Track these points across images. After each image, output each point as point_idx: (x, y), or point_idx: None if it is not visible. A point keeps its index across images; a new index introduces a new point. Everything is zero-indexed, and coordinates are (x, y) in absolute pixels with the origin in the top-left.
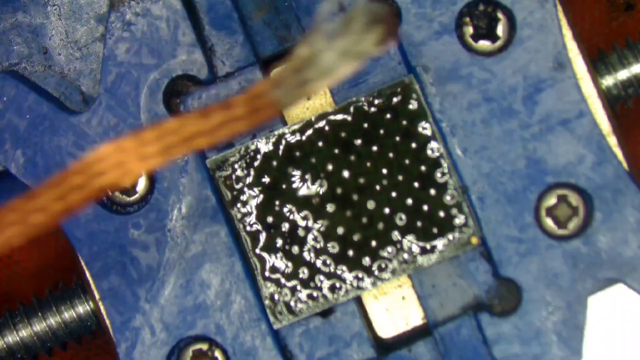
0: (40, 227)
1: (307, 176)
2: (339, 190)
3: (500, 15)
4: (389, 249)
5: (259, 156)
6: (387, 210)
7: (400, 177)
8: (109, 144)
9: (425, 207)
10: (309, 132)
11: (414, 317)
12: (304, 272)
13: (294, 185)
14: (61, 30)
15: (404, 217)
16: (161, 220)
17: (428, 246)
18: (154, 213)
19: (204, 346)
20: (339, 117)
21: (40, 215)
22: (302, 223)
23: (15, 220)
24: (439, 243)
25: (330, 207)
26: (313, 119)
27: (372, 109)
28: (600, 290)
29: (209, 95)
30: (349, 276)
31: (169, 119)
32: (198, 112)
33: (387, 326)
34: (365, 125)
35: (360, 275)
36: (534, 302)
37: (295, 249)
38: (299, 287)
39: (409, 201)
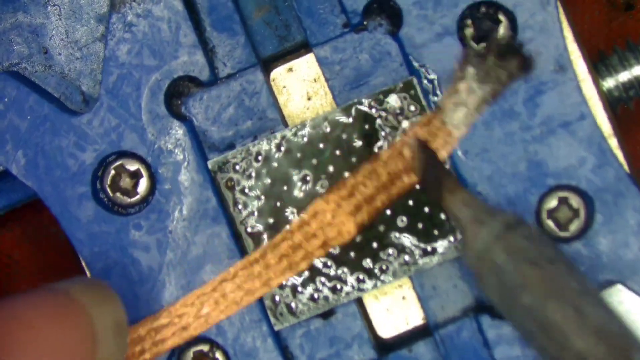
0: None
1: (309, 177)
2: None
3: (501, 17)
4: (390, 250)
5: (260, 157)
6: (388, 212)
7: None
8: (318, 202)
9: (426, 209)
10: (310, 133)
11: (414, 318)
12: (304, 274)
13: (295, 187)
14: (61, 30)
15: (405, 218)
16: (162, 221)
17: (429, 248)
18: (155, 214)
19: (205, 347)
20: (340, 118)
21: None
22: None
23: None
24: (440, 245)
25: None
26: (314, 120)
27: (374, 110)
28: (600, 291)
29: (210, 96)
30: (350, 278)
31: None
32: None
33: (388, 326)
34: (367, 126)
35: (361, 276)
36: None
37: None
38: (300, 289)
39: (410, 203)
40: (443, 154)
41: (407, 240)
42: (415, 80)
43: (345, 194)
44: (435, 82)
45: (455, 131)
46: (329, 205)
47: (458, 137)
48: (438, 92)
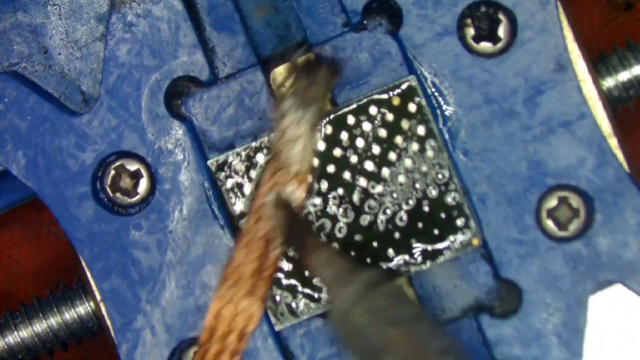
0: None
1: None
2: (340, 192)
3: (501, 16)
4: (390, 250)
5: (259, 157)
6: (388, 212)
7: (401, 178)
8: (213, 303)
9: (427, 209)
10: None
11: None
12: (305, 273)
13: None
14: (61, 30)
15: (405, 218)
16: (162, 221)
17: (429, 247)
18: (155, 214)
19: None
20: (340, 118)
21: None
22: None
23: None
24: (440, 244)
25: (331, 209)
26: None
27: (373, 110)
28: (600, 291)
29: (210, 96)
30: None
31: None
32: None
33: None
34: (367, 126)
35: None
36: (535, 304)
37: None
38: (300, 288)
39: (410, 202)
40: (301, 194)
41: (408, 240)
42: (415, 80)
43: (232, 282)
44: (436, 82)
45: (301, 165)
46: (224, 301)
47: (307, 168)
48: (436, 91)
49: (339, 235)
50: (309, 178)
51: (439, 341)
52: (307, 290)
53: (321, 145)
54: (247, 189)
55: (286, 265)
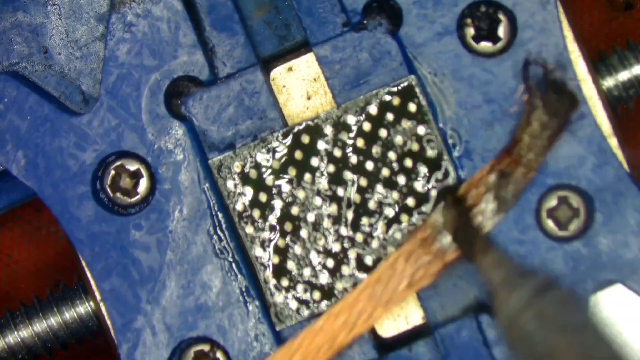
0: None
1: (308, 177)
2: (340, 192)
3: (501, 16)
4: (391, 250)
5: (260, 157)
6: (388, 212)
7: (401, 178)
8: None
9: (426, 208)
10: (310, 132)
11: (414, 317)
12: (305, 273)
13: (295, 186)
14: (61, 30)
15: (405, 218)
16: (162, 221)
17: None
18: (155, 214)
19: (206, 347)
20: (341, 117)
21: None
22: (303, 224)
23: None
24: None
25: (331, 208)
26: (314, 120)
27: (374, 110)
28: (600, 291)
29: (210, 96)
30: (349, 277)
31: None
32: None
33: (388, 325)
34: (367, 126)
35: (361, 275)
36: None
37: (297, 250)
38: (300, 288)
39: (410, 202)
40: (523, 185)
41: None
42: (415, 80)
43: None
44: (436, 82)
45: (532, 158)
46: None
47: (535, 166)
48: (436, 91)
49: (339, 236)
50: (533, 173)
51: (607, 349)
52: (307, 290)
53: (321, 145)
54: (247, 188)
55: (286, 266)
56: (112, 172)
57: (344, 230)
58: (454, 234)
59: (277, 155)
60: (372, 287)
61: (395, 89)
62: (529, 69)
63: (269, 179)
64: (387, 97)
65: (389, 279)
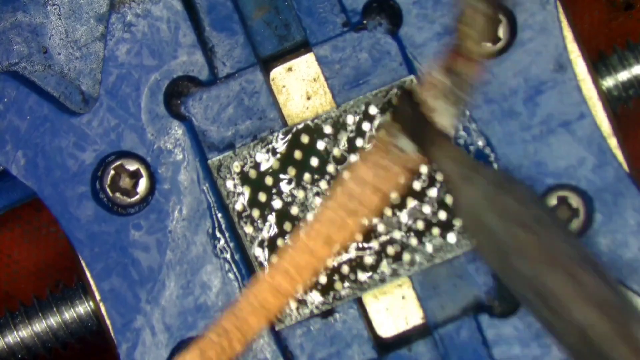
0: None
1: (308, 177)
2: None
3: (501, 16)
4: (390, 250)
5: (259, 157)
6: (388, 211)
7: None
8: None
9: (426, 208)
10: (310, 132)
11: (414, 317)
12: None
13: (295, 186)
14: (61, 30)
15: (405, 218)
16: (162, 221)
17: (429, 247)
18: (155, 214)
19: None
20: (340, 117)
21: None
22: (303, 224)
23: None
24: (440, 244)
25: None
26: (314, 120)
27: (373, 110)
28: None
29: (210, 96)
30: (350, 277)
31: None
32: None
33: (387, 325)
34: (366, 125)
35: (361, 275)
36: None
37: None
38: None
39: (410, 202)
40: (472, 80)
41: (407, 239)
42: (414, 80)
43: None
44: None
45: (479, 50)
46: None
47: (480, 57)
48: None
49: None
50: (478, 65)
51: (574, 249)
52: (306, 290)
53: (320, 145)
54: (247, 188)
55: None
56: (112, 172)
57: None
58: (407, 126)
59: (277, 155)
60: (339, 197)
61: (395, 89)
62: None
63: (268, 179)
64: (387, 98)
65: (354, 188)
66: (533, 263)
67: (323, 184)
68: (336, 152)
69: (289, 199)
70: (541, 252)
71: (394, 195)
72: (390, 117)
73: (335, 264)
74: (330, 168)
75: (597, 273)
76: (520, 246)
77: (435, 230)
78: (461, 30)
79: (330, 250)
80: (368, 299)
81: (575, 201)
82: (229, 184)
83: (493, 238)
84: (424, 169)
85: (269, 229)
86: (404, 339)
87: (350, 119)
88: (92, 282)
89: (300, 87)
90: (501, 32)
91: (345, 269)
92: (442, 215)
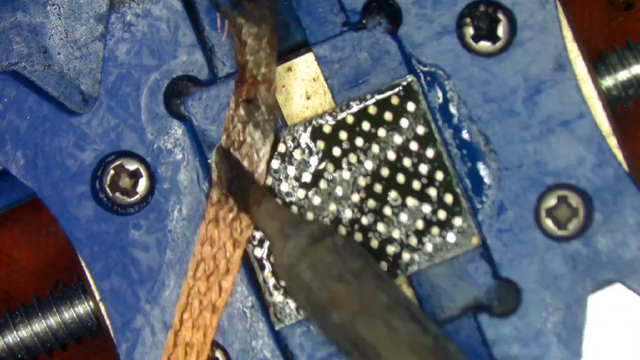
0: None
1: (307, 177)
2: (338, 191)
3: (501, 16)
4: (390, 249)
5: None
6: (388, 211)
7: (400, 178)
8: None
9: (426, 208)
10: (309, 132)
11: None
12: None
13: (294, 186)
14: (61, 30)
15: (404, 217)
16: (162, 221)
17: (428, 246)
18: (155, 214)
19: None
20: (339, 117)
21: None
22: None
23: None
24: (439, 243)
25: (331, 208)
26: (313, 119)
27: (373, 109)
28: (599, 290)
29: (209, 95)
30: None
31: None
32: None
33: None
34: (366, 125)
35: None
36: (534, 303)
37: None
38: None
39: (410, 202)
40: (272, 99)
41: (407, 238)
42: (414, 79)
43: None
44: (434, 81)
45: (267, 68)
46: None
47: (271, 72)
48: (435, 90)
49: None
50: (273, 83)
51: (386, 296)
52: None
53: (320, 145)
54: None
55: None
56: (112, 171)
57: (343, 230)
58: (228, 187)
59: (276, 155)
60: (201, 265)
61: (394, 89)
62: (213, 2)
63: (268, 179)
64: (386, 97)
65: (213, 251)
66: (348, 314)
67: (322, 184)
68: (336, 151)
69: (290, 198)
70: (356, 303)
71: (394, 195)
72: (217, 178)
73: None
74: (330, 167)
75: (412, 318)
76: (334, 298)
77: (435, 230)
78: (243, 59)
79: (217, 316)
80: None
81: (574, 200)
82: None
83: (310, 292)
84: (423, 169)
85: None
86: None
87: (350, 119)
88: (91, 281)
89: (300, 87)
90: (501, 31)
91: None
92: (442, 214)
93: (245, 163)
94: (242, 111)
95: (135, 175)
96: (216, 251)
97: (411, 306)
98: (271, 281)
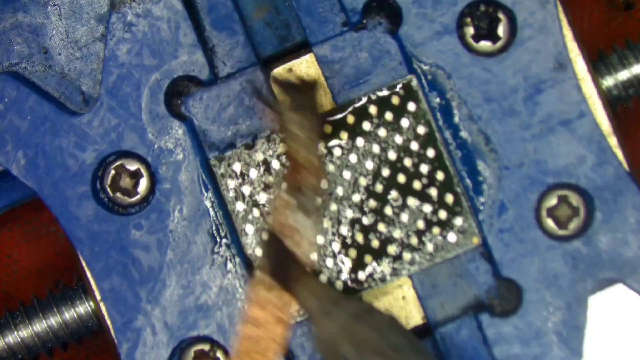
0: None
1: None
2: (339, 191)
3: (501, 15)
4: (391, 249)
5: (259, 156)
6: (388, 211)
7: (401, 177)
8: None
9: (426, 207)
10: None
11: (414, 317)
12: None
13: None
14: (61, 30)
15: (405, 217)
16: (162, 221)
17: (429, 246)
18: (156, 214)
19: (206, 347)
20: (340, 117)
21: None
22: None
23: None
24: (440, 243)
25: (331, 208)
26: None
27: (373, 109)
28: (600, 290)
29: (210, 95)
30: (349, 276)
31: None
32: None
33: None
34: (366, 125)
35: (360, 275)
36: (535, 302)
37: None
38: None
39: (411, 201)
40: (318, 183)
41: (408, 238)
42: (414, 79)
43: None
44: (434, 81)
45: (309, 156)
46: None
47: (316, 161)
48: (435, 90)
49: (339, 235)
50: (319, 170)
51: None
52: None
53: (320, 145)
54: (247, 188)
55: None
56: (112, 171)
57: (343, 230)
58: (271, 270)
59: (277, 155)
60: (248, 343)
61: (394, 89)
62: (254, 91)
63: (269, 179)
64: (387, 97)
65: (258, 333)
66: None
67: (323, 184)
68: (336, 151)
69: None
70: None
71: (394, 195)
72: (259, 262)
73: (335, 264)
74: (330, 167)
75: None
76: None
77: (436, 230)
78: (290, 148)
79: None
80: (368, 299)
81: (575, 200)
82: (230, 183)
83: None
84: (424, 169)
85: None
86: None
87: (350, 119)
88: (92, 281)
89: None
90: (501, 30)
91: (344, 271)
92: (443, 214)
93: (288, 243)
94: (286, 196)
95: (136, 175)
96: (261, 331)
97: None
98: None
